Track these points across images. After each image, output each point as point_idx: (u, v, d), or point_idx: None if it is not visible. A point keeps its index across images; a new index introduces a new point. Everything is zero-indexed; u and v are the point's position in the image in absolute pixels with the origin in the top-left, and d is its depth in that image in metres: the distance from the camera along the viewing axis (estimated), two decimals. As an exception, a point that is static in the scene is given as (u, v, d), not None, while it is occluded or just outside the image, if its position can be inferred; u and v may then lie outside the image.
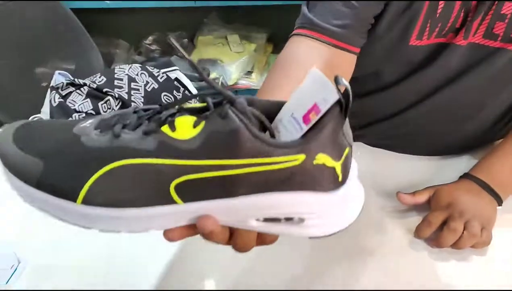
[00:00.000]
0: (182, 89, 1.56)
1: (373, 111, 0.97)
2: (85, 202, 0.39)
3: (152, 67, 1.53)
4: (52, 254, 0.70)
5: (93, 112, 1.36)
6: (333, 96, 0.36)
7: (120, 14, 1.87)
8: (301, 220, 0.41)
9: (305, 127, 0.38)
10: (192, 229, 0.42)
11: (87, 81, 1.41)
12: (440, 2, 0.78)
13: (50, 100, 1.38)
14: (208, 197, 0.39)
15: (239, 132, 0.37)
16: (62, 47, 1.64)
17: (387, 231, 0.75)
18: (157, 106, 0.42)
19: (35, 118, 1.41)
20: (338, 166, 0.40)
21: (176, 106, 0.42)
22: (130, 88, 1.44)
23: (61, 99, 1.37)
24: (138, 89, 1.46)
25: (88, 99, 1.38)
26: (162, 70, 1.54)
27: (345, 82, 0.37)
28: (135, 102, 1.42)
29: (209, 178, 0.38)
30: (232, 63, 1.86)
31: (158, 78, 1.51)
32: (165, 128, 0.39)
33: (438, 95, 0.88)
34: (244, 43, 2.00)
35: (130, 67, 1.50)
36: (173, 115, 0.40)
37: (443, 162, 0.92)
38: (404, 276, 0.67)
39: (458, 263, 0.69)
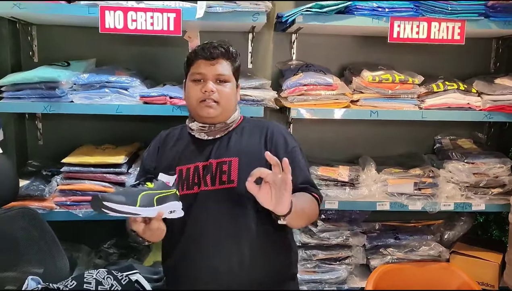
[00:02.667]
0: (141, 289, 1.79)
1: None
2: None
3: (117, 271, 1.79)
4: None
5: (63, 315, 1.55)
6: (172, 177, 1.45)
7: (83, 221, 2.14)
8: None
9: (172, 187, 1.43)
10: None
11: (60, 285, 1.63)
12: (184, 170, 1.55)
13: (25, 304, 1.56)
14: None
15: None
16: (34, 253, 1.85)
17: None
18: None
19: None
20: (178, 192, 1.44)
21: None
22: (97, 291, 1.66)
23: (35, 303, 1.56)
24: (104, 292, 1.68)
25: (60, 302, 1.58)
26: (125, 273, 1.80)
27: (170, 173, 1.47)
28: (101, 303, 1.63)
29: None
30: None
31: (122, 281, 1.75)
32: (147, 185, 1.39)
33: (209, 232, 1.50)
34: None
35: (98, 272, 1.74)
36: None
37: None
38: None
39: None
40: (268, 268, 1.53)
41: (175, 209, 1.41)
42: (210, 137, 1.60)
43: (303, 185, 1.53)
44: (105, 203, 1.25)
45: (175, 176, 1.46)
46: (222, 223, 1.51)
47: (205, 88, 1.54)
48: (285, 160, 1.25)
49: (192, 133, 1.63)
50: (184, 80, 1.66)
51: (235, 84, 1.63)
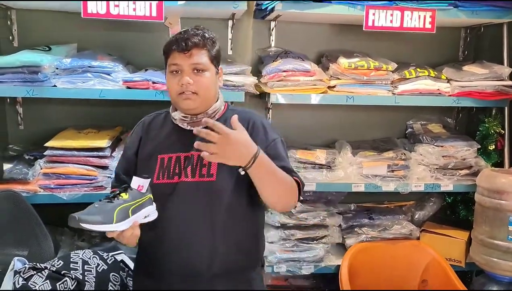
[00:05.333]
0: (126, 269, 1.85)
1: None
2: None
3: (102, 251, 1.84)
4: None
5: (51, 291, 1.60)
6: (145, 180, 1.44)
7: (66, 205, 2.15)
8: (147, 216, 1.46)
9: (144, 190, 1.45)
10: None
11: (47, 265, 1.67)
12: (165, 159, 1.56)
13: (14, 283, 1.61)
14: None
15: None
16: (19, 235, 1.88)
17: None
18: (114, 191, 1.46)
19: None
20: (151, 196, 1.47)
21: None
22: (84, 270, 1.71)
23: (24, 282, 1.60)
24: (90, 271, 1.73)
25: (48, 281, 1.63)
26: (111, 254, 1.85)
27: (142, 176, 1.46)
28: (88, 281, 1.69)
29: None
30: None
31: (107, 260, 1.81)
32: (121, 197, 1.40)
33: (180, 219, 1.52)
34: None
35: (84, 252, 1.79)
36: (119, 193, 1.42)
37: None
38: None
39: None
40: (237, 256, 1.57)
41: (149, 213, 1.46)
42: (193, 128, 1.55)
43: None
44: (82, 224, 1.29)
45: (149, 180, 1.46)
46: (197, 214, 1.53)
47: (181, 81, 1.52)
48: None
49: (175, 123, 1.63)
50: (165, 69, 1.65)
51: (214, 71, 1.59)
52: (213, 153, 1.30)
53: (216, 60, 1.59)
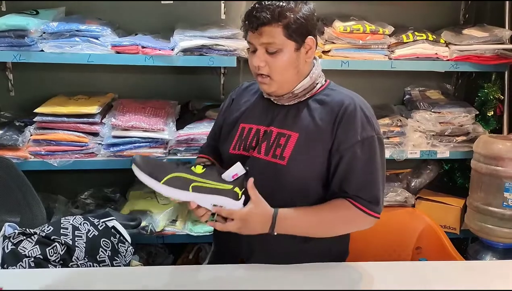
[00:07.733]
0: (118, 235, 1.85)
1: None
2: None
3: (93, 218, 1.83)
4: None
5: (41, 256, 1.60)
6: (243, 171, 1.27)
7: (59, 173, 2.17)
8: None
9: (232, 180, 1.28)
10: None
11: (37, 230, 1.67)
12: (246, 129, 1.47)
13: (3, 248, 1.61)
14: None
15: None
16: (10, 201, 1.88)
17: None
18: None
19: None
20: (239, 192, 1.28)
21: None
22: (74, 236, 1.71)
23: (13, 247, 1.61)
24: (81, 236, 1.73)
25: (37, 246, 1.63)
26: (102, 220, 1.84)
27: (245, 168, 1.28)
28: (78, 247, 1.68)
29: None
30: (160, 213, 2.20)
31: (98, 226, 1.80)
32: (193, 168, 1.27)
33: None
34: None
35: (74, 218, 1.78)
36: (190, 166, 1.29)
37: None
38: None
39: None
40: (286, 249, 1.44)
41: (222, 204, 1.28)
42: (279, 103, 1.46)
43: (351, 192, 1.36)
44: (132, 166, 1.21)
45: (244, 173, 1.28)
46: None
47: (253, 62, 1.38)
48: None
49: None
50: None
51: (294, 47, 1.36)
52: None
53: (296, 33, 1.35)
